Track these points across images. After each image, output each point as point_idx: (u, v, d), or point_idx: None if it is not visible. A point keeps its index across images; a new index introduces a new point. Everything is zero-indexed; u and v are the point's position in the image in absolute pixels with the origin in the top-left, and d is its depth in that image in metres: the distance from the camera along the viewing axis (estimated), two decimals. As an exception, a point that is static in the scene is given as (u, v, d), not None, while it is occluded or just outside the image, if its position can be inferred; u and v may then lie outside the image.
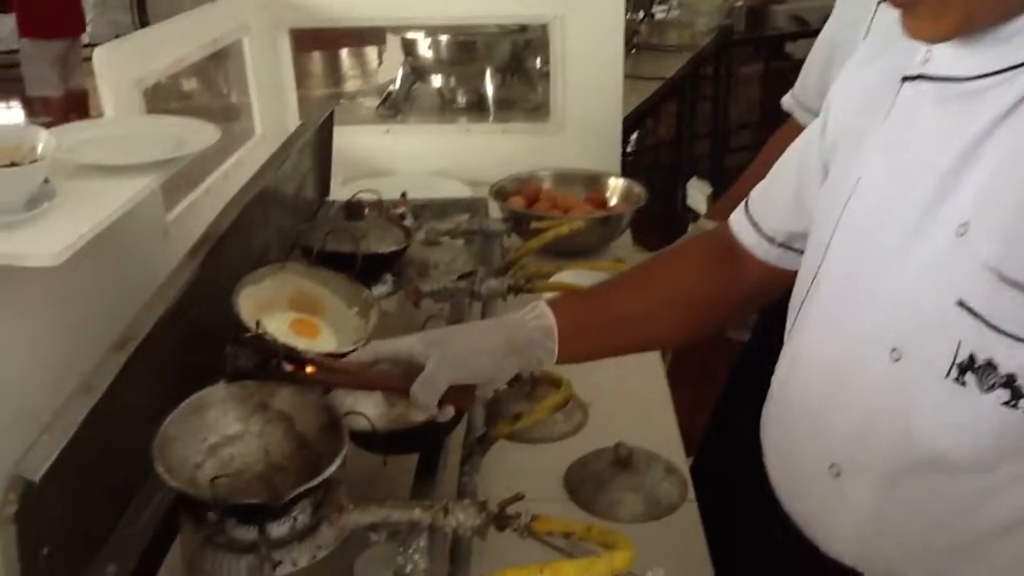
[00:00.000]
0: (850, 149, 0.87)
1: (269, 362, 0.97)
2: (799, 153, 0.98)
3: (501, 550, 0.92)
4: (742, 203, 1.05)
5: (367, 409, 1.00)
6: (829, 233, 0.86)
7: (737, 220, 1.04)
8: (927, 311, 0.75)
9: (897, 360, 0.78)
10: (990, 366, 0.72)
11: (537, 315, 0.97)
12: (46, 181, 1.08)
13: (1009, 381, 0.72)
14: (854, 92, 0.90)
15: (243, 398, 0.94)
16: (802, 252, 0.95)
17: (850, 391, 0.82)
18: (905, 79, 0.82)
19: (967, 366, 0.73)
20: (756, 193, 1.03)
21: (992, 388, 0.73)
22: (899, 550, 0.83)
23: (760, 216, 1.01)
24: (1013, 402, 0.72)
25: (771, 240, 1.00)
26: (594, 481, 1.17)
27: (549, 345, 0.96)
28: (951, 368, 0.74)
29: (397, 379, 0.94)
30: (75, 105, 5.09)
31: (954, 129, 0.75)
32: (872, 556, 0.85)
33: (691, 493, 1.16)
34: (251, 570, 0.81)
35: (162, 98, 1.58)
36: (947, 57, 0.77)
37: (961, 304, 0.72)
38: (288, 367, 0.96)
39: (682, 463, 1.22)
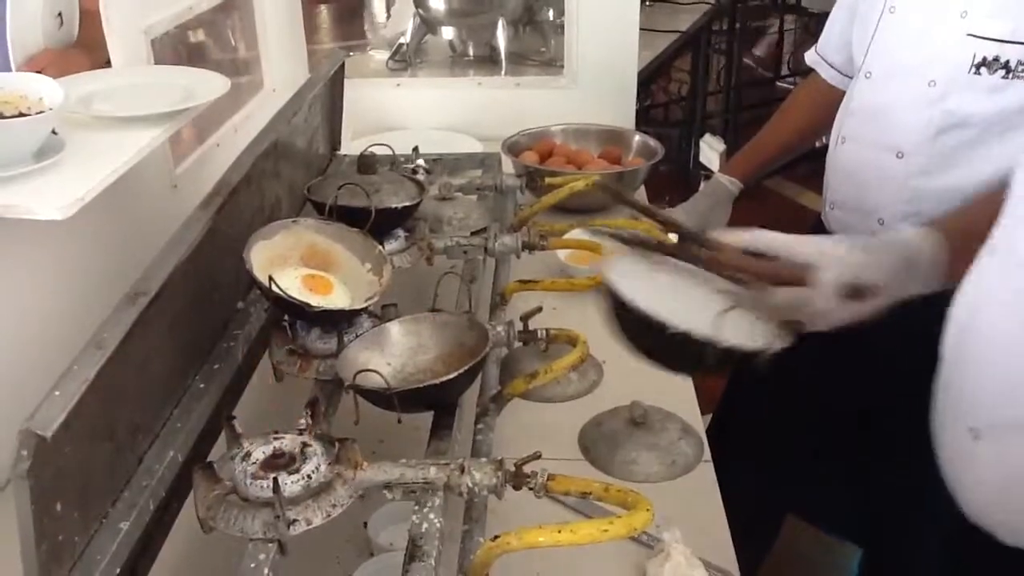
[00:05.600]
0: None
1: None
2: None
3: (516, 509, 0.92)
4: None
5: (381, 367, 0.99)
6: None
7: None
8: None
9: None
10: None
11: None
12: (54, 132, 1.06)
13: None
14: None
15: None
16: None
17: (987, 353, 0.82)
18: None
19: None
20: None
21: None
22: None
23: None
24: None
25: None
26: (609, 440, 1.16)
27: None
28: None
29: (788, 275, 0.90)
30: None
31: None
32: (1013, 522, 0.85)
33: (707, 453, 1.16)
34: (266, 527, 0.80)
35: (170, 50, 1.55)
36: None
37: None
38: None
39: (698, 423, 1.21)
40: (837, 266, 0.88)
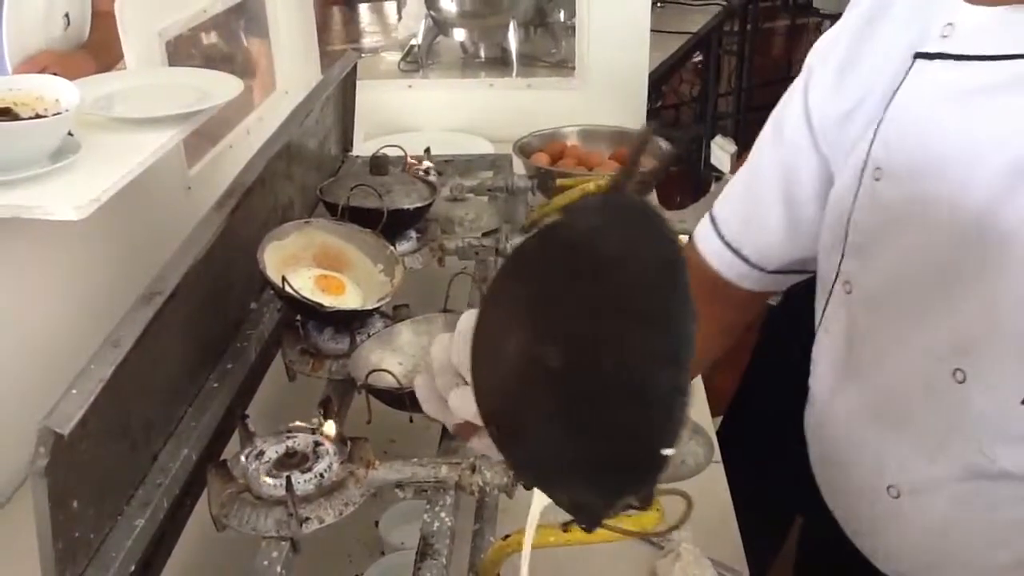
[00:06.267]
0: (848, 135, 0.79)
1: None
2: (781, 177, 0.86)
3: (527, 508, 0.92)
4: (710, 229, 0.92)
5: (393, 367, 1.00)
6: (843, 228, 0.78)
7: (716, 253, 0.91)
8: (995, 332, 0.68)
9: (961, 382, 0.70)
10: None
11: None
12: (70, 134, 1.07)
13: None
14: (847, 81, 0.80)
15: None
16: (800, 272, 0.88)
17: (907, 411, 0.76)
18: (919, 56, 0.72)
19: None
20: (734, 225, 0.90)
21: None
22: (959, 567, 0.79)
23: (747, 248, 0.90)
24: None
25: (763, 270, 0.90)
26: (619, 440, 1.16)
27: None
28: None
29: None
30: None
31: (999, 122, 0.66)
32: (931, 574, 0.82)
33: (717, 454, 1.16)
34: (278, 526, 0.81)
35: (183, 53, 1.56)
36: (977, 30, 0.68)
37: None
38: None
39: (708, 424, 1.21)
40: None
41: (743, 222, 0.90)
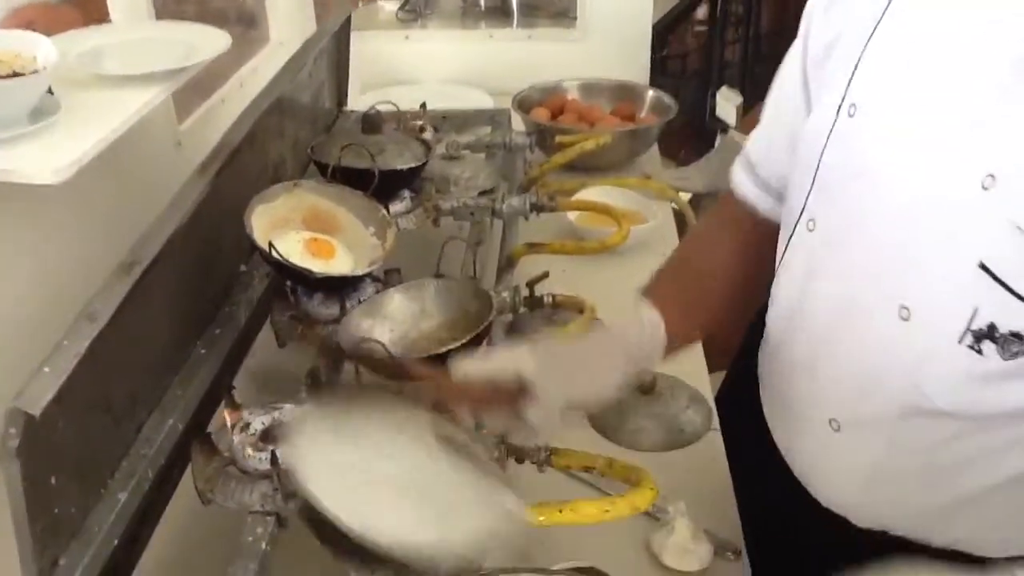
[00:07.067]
0: (828, 71, 0.80)
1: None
2: (793, 111, 0.87)
3: (524, 475, 0.90)
4: (744, 164, 0.95)
5: (383, 335, 0.98)
6: (814, 164, 0.79)
7: (750, 189, 0.94)
8: (941, 271, 0.68)
9: (906, 319, 0.71)
10: (1015, 337, 0.66)
11: (652, 332, 0.86)
12: (50, 92, 1.03)
13: None
14: (831, 15, 0.82)
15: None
16: None
17: (853, 346, 0.77)
18: None
19: (985, 334, 0.67)
20: (762, 157, 0.94)
21: (1016, 356, 0.67)
22: (896, 504, 0.82)
23: (773, 180, 0.92)
24: None
25: (768, 189, 0.92)
26: (616, 408, 1.14)
27: (657, 356, 0.88)
28: (964, 334, 0.68)
29: (506, 396, 0.78)
30: None
31: (974, 58, 0.66)
32: (868, 510, 0.84)
33: (715, 422, 1.14)
34: (264, 500, 0.79)
35: (172, 1, 1.51)
36: None
37: (983, 268, 0.65)
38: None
39: (707, 391, 1.19)
40: (557, 387, 0.78)
41: (767, 154, 0.93)
